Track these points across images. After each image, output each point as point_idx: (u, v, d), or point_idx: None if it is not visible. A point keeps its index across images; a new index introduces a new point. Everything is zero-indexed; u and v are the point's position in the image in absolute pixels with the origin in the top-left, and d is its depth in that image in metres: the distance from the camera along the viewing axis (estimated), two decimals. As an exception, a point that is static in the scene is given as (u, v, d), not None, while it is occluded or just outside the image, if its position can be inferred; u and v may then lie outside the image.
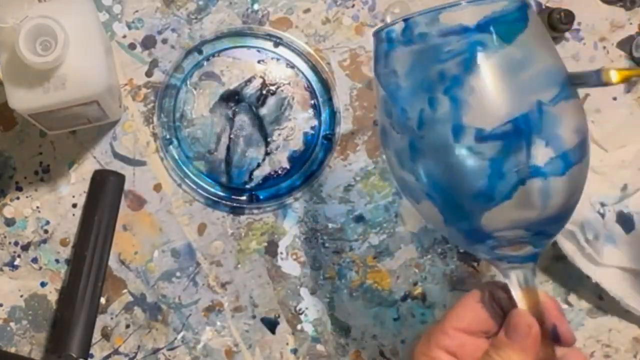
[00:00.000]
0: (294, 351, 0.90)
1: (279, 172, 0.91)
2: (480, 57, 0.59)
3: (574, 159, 0.62)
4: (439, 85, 0.60)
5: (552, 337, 0.63)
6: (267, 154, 0.91)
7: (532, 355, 0.61)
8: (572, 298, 0.92)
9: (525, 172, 0.59)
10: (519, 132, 0.59)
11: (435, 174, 0.62)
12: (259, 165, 0.91)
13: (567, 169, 0.61)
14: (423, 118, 0.61)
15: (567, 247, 0.88)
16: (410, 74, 0.62)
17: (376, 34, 0.66)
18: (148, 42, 0.92)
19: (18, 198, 0.90)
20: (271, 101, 0.91)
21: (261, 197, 0.90)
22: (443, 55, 0.60)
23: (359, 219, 0.91)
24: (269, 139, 0.91)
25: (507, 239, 0.62)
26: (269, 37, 0.92)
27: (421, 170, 0.62)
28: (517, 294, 0.62)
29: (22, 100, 0.75)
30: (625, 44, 0.97)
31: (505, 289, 0.64)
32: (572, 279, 0.91)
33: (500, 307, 0.65)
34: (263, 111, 0.91)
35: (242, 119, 0.91)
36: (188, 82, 0.91)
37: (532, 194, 0.60)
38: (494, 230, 0.61)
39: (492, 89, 0.59)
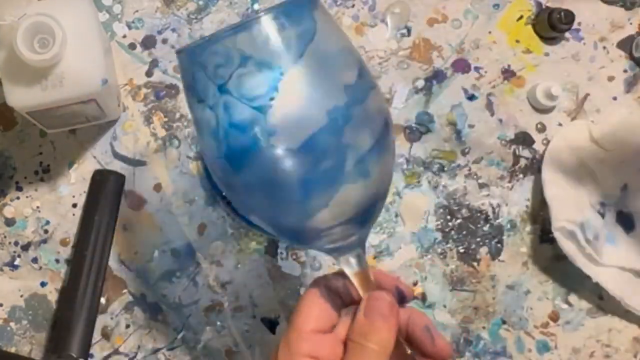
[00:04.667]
0: (294, 351, 0.90)
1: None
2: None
3: (376, 156, 0.60)
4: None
5: (399, 298, 0.65)
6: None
7: (396, 331, 0.61)
8: (572, 298, 0.92)
9: (335, 182, 0.58)
10: (322, 146, 0.57)
11: (257, 195, 0.61)
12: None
13: (371, 170, 0.60)
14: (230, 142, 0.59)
15: (567, 247, 0.88)
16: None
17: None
18: (148, 42, 0.93)
19: (18, 198, 0.90)
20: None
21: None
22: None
23: (359, 219, 0.91)
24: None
25: (333, 236, 0.62)
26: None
27: (244, 191, 0.62)
28: (353, 277, 0.63)
29: (20, 98, 0.75)
30: (625, 44, 0.97)
31: (340, 275, 0.65)
32: (572, 279, 0.91)
33: (339, 295, 0.66)
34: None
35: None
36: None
37: (346, 197, 0.59)
38: (319, 231, 0.61)
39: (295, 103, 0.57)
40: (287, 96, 0.57)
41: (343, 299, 0.66)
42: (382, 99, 0.63)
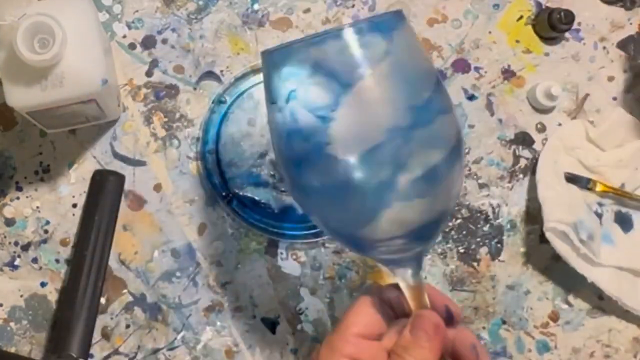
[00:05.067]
0: (294, 351, 0.90)
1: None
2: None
3: (435, 179, 0.61)
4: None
5: (447, 318, 0.66)
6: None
7: (440, 351, 0.63)
8: (572, 298, 0.92)
9: (385, 199, 0.60)
10: (376, 162, 0.59)
11: (313, 199, 0.64)
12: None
13: (433, 187, 0.61)
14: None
15: (560, 247, 0.88)
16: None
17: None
18: (148, 42, 0.93)
19: (18, 198, 0.90)
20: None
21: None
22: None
23: (359, 219, 0.91)
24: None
25: (390, 248, 0.63)
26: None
27: (303, 193, 0.65)
28: (406, 290, 0.65)
29: (20, 98, 0.75)
30: (625, 44, 0.97)
31: (394, 287, 0.67)
32: (572, 279, 0.91)
33: (390, 306, 0.67)
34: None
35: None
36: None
37: (397, 215, 0.61)
38: (374, 241, 0.63)
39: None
40: (349, 111, 0.59)
41: (395, 311, 0.67)
42: (453, 125, 0.63)
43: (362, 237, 0.63)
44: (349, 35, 0.58)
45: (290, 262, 0.91)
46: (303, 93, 0.60)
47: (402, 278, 0.64)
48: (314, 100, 0.59)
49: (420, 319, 0.63)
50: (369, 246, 0.64)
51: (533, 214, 0.93)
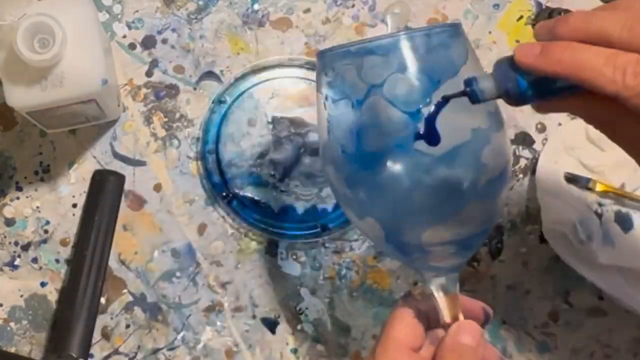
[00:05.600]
0: (294, 351, 0.90)
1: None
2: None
3: (502, 183, 0.64)
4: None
5: (486, 319, 0.69)
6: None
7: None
8: (572, 298, 0.92)
9: (466, 197, 0.61)
10: (461, 160, 0.60)
11: (385, 195, 0.62)
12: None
13: (497, 193, 0.63)
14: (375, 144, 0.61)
15: (559, 248, 0.88)
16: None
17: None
18: (148, 42, 0.93)
19: (18, 198, 0.90)
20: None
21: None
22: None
23: (359, 219, 0.91)
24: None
25: (437, 253, 0.63)
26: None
27: (370, 190, 0.63)
28: (442, 300, 0.64)
29: (20, 98, 0.75)
30: (626, 44, 0.96)
31: (427, 298, 0.66)
32: (572, 279, 0.91)
33: (426, 318, 0.66)
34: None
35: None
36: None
37: (471, 214, 0.62)
38: (427, 245, 0.63)
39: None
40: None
41: (429, 322, 0.66)
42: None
43: (419, 242, 0.63)
44: (437, 35, 0.61)
45: (290, 262, 0.91)
46: (389, 88, 0.59)
47: (438, 288, 0.64)
48: (403, 96, 0.59)
49: (463, 325, 0.63)
50: (419, 251, 0.63)
51: (533, 214, 0.93)
